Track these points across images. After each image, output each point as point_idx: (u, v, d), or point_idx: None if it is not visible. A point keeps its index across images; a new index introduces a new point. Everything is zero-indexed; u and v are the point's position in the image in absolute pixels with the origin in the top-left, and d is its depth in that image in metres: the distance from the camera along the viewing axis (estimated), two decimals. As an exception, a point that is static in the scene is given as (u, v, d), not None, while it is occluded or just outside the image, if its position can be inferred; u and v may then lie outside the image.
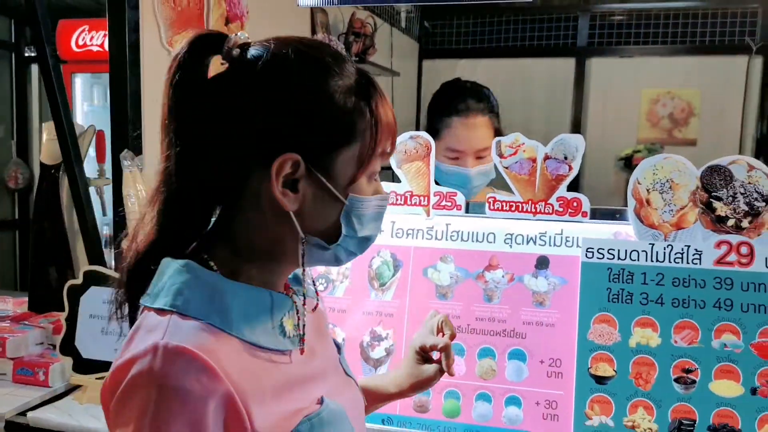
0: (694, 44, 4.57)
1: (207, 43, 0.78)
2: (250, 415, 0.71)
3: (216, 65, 0.76)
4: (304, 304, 0.86)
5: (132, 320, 0.81)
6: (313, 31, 3.20)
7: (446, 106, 1.82)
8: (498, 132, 1.81)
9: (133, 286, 0.80)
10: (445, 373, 1.11)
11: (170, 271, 0.76)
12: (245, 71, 0.76)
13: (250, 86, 0.76)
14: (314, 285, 0.97)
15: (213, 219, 0.83)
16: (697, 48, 4.57)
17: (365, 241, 0.84)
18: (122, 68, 1.83)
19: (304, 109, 0.75)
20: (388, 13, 4.22)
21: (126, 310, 0.82)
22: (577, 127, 4.74)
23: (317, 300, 0.95)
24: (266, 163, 0.74)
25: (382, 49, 4.01)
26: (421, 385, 1.12)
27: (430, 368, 1.11)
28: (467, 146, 1.77)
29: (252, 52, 0.77)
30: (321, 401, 0.81)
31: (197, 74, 0.77)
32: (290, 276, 0.89)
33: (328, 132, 0.77)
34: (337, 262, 0.85)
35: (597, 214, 1.41)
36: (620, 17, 4.75)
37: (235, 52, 0.77)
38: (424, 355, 1.12)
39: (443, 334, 1.12)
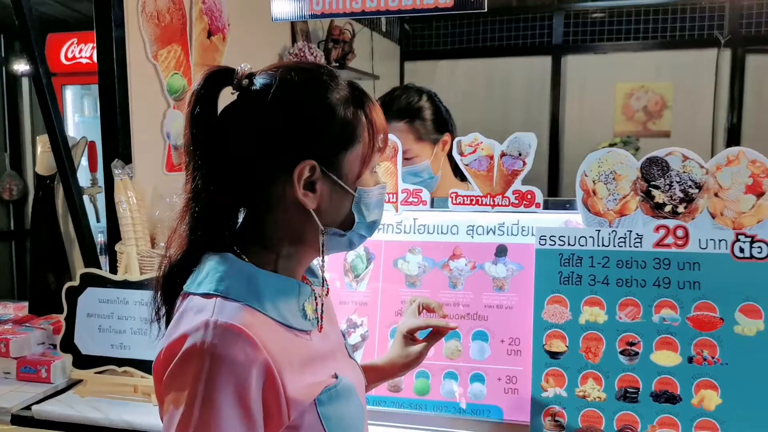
0: (665, 39, 4.71)
1: (218, 77, 0.90)
2: (283, 383, 0.84)
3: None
4: (320, 292, 0.99)
5: (168, 320, 0.93)
6: (294, 39, 3.30)
7: None
8: (423, 136, 1.90)
9: (170, 291, 0.93)
10: (425, 357, 1.24)
11: (211, 263, 0.90)
12: (258, 98, 0.89)
13: (266, 110, 0.88)
14: (323, 273, 1.08)
15: (239, 221, 0.96)
16: (669, 43, 4.71)
17: (373, 225, 0.99)
18: (111, 82, 1.95)
19: (314, 123, 0.89)
20: (368, 18, 4.32)
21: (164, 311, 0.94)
22: (555, 123, 4.88)
23: (327, 286, 1.07)
24: (287, 171, 0.88)
25: (363, 53, 4.10)
26: (411, 363, 1.25)
27: (416, 348, 1.25)
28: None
29: (260, 80, 0.90)
30: (336, 376, 0.93)
31: (213, 105, 0.90)
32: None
33: (335, 139, 0.90)
34: (351, 246, 0.99)
35: (549, 205, 1.54)
36: (593, 15, 4.89)
37: (245, 82, 0.90)
38: (411, 337, 1.26)
39: (431, 314, 1.27)
